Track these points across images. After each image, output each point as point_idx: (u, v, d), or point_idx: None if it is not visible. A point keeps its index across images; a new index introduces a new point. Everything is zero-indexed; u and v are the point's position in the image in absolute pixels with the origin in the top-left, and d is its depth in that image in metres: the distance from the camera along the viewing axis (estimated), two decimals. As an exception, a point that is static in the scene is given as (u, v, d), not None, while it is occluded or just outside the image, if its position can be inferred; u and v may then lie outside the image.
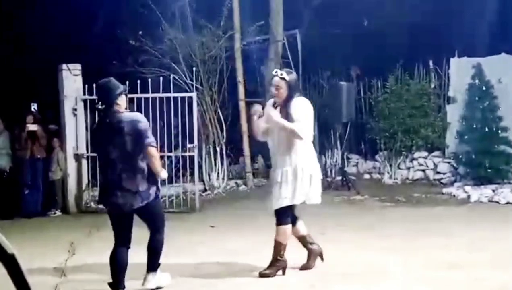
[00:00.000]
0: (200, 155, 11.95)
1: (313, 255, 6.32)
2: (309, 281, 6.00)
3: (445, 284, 5.76)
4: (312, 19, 14.90)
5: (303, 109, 5.92)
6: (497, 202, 10.42)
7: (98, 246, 7.85)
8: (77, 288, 6.09)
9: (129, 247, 5.65)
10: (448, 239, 7.60)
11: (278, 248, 6.05)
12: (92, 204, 10.94)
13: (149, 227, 5.74)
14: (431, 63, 13.39)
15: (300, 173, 5.89)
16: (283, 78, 5.96)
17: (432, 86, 13.39)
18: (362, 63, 14.37)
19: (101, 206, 10.78)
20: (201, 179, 12.13)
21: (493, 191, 10.93)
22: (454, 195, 11.19)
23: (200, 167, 11.87)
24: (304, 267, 6.31)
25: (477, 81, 11.99)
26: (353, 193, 11.62)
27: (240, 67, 12.93)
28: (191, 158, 10.71)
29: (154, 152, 5.53)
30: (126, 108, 5.66)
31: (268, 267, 6.09)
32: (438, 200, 10.88)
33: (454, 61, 12.93)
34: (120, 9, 12.90)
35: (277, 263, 6.07)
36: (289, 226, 6.06)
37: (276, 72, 6.10)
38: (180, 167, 11.37)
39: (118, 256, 5.60)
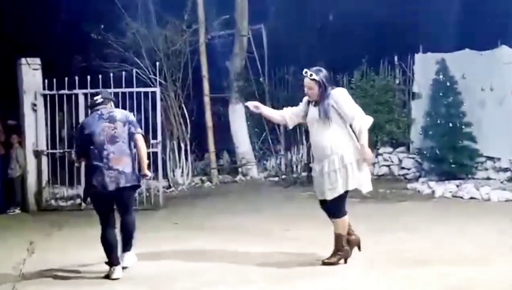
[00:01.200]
0: (164, 152, 11.78)
1: (351, 245, 6.34)
2: (273, 277, 5.92)
3: (411, 279, 5.73)
4: (278, 14, 14.82)
5: (347, 101, 6.04)
6: (461, 197, 10.47)
7: (58, 246, 7.69)
8: (36, 288, 5.89)
9: (115, 228, 6.22)
10: (413, 235, 7.61)
11: (339, 239, 6.17)
12: (52, 202, 10.71)
13: (123, 210, 6.28)
14: (396, 58, 13.40)
15: (347, 159, 5.96)
16: (313, 79, 6.07)
17: (397, 82, 13.40)
18: (328, 59, 14.30)
19: (61, 203, 10.71)
20: (165, 176, 11.94)
21: (457, 186, 10.98)
22: (418, 191, 11.22)
23: (164, 163, 11.69)
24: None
25: (441, 76, 12.01)
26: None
27: (205, 62, 12.78)
28: (155, 154, 10.51)
29: (142, 139, 6.24)
30: None
31: (331, 256, 6.19)
32: (403, 196, 10.88)
33: (418, 57, 12.95)
34: (82, 2, 12.62)
35: (339, 253, 6.18)
36: (346, 217, 6.15)
37: (306, 72, 6.15)
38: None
39: (108, 237, 6.11)
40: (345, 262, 6.22)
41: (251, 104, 6.54)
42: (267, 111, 6.73)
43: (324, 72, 6.15)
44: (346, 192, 6.08)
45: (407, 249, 6.82)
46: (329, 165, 6.02)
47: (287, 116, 6.48)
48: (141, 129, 6.38)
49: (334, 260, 6.19)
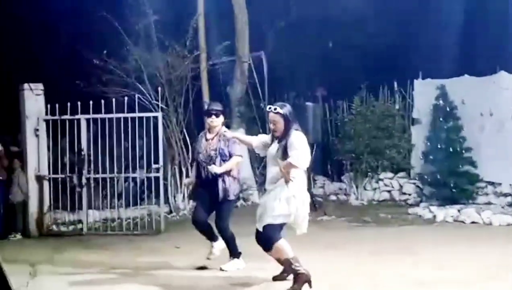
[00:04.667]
0: (165, 177, 11.75)
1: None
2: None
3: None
4: (278, 41, 14.98)
5: (298, 142, 5.98)
6: (463, 222, 10.48)
7: (60, 269, 7.66)
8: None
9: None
10: (414, 257, 7.62)
11: (288, 263, 6.05)
12: (54, 227, 10.68)
13: None
14: (395, 84, 13.50)
15: (281, 195, 5.96)
16: (277, 113, 6.07)
17: (397, 107, 13.48)
18: (328, 85, 14.46)
19: (63, 228, 10.70)
20: (166, 201, 11.93)
21: (458, 211, 10.99)
22: (420, 215, 11.23)
23: (165, 189, 11.67)
24: (277, 278, 6.41)
25: (441, 102, 12.11)
26: (320, 214, 11.56)
27: (206, 88, 12.82)
28: (156, 179, 10.51)
29: None
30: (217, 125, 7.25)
31: (293, 284, 6.05)
32: (404, 220, 10.89)
33: (418, 83, 13.07)
34: (84, 28, 12.72)
35: (299, 278, 6.00)
36: (281, 241, 6.05)
37: (269, 108, 6.19)
38: (145, 189, 11.16)
39: None
40: (310, 286, 6.00)
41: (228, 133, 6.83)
42: (243, 138, 7.12)
43: (288, 107, 6.18)
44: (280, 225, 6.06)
45: (409, 271, 6.83)
46: (267, 196, 6.12)
47: (255, 143, 6.59)
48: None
49: (296, 287, 6.02)
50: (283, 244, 6.05)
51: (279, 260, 6.25)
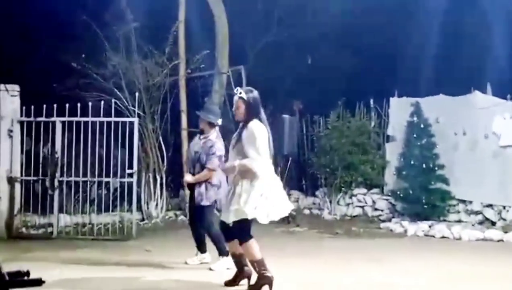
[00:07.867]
0: (139, 184, 11.70)
1: (242, 276, 6.30)
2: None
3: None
4: (258, 57, 15.11)
5: (254, 137, 5.81)
6: (433, 236, 10.60)
7: (28, 266, 7.56)
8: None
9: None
10: (383, 265, 7.71)
11: (254, 265, 5.98)
12: (23, 229, 10.56)
13: None
14: (371, 102, 13.64)
15: (248, 189, 5.83)
16: (241, 97, 5.94)
17: (372, 124, 13.60)
18: (306, 100, 14.61)
19: (33, 231, 10.57)
20: (139, 208, 11.85)
21: (429, 226, 11.11)
22: (391, 230, 11.32)
23: (138, 196, 11.61)
24: (228, 283, 6.32)
25: (415, 118, 12.24)
26: (292, 226, 11.60)
27: (184, 96, 12.80)
28: (130, 185, 10.45)
29: None
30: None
31: (253, 284, 6.02)
32: (376, 234, 10.98)
33: (393, 101, 13.20)
34: (64, 31, 12.72)
35: (261, 280, 5.94)
36: (252, 240, 5.95)
37: (237, 89, 6.08)
38: (118, 195, 11.10)
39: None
40: (270, 288, 5.92)
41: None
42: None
43: (254, 93, 6.00)
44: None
45: (376, 276, 6.92)
46: (233, 191, 5.96)
47: None
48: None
49: (254, 288, 6.00)
50: (252, 245, 5.96)
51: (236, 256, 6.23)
